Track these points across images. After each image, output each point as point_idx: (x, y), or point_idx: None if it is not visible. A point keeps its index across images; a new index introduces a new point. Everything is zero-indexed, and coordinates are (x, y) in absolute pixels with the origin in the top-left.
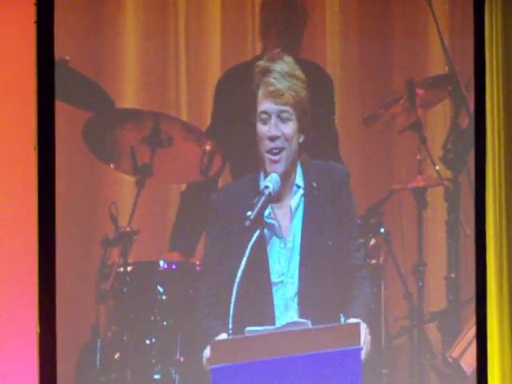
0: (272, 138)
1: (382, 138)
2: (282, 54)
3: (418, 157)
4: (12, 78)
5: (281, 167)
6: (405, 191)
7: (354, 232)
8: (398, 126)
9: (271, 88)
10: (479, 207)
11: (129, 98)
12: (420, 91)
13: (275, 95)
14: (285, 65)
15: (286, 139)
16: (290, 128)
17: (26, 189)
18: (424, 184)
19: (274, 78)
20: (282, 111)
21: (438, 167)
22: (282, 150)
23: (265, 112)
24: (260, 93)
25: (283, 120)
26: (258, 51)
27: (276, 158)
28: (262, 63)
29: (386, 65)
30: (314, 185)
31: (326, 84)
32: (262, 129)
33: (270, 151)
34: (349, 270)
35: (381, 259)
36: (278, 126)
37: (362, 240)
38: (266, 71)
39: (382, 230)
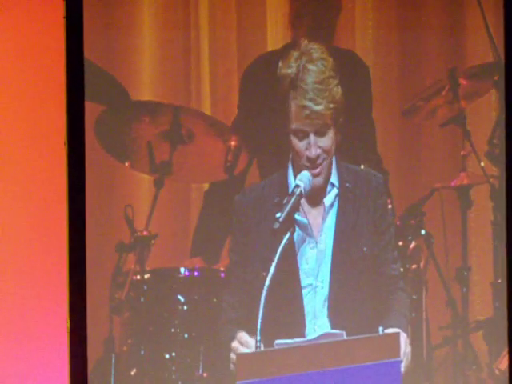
0: (311, 159)
1: (423, 132)
2: (309, 47)
3: (462, 152)
4: (41, 73)
5: (320, 178)
6: (447, 189)
7: (390, 243)
8: (439, 119)
9: (307, 112)
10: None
11: (146, 89)
12: (463, 81)
13: (312, 117)
14: (315, 67)
15: (326, 151)
16: (328, 140)
17: (56, 188)
18: (468, 182)
19: (309, 99)
20: (321, 126)
21: (483, 163)
22: (322, 163)
23: (301, 130)
24: (293, 112)
25: (322, 134)
26: (287, 40)
27: (316, 171)
28: (288, 72)
29: (425, 54)
30: (348, 186)
31: (362, 73)
32: (298, 144)
33: (308, 166)
34: (385, 281)
35: (421, 264)
36: (316, 144)
37: (397, 252)
38: (296, 84)
39: (423, 232)
